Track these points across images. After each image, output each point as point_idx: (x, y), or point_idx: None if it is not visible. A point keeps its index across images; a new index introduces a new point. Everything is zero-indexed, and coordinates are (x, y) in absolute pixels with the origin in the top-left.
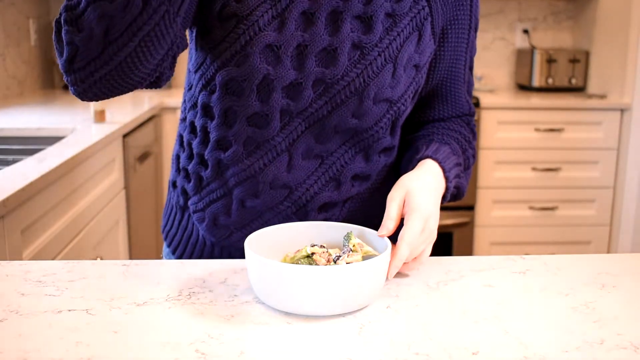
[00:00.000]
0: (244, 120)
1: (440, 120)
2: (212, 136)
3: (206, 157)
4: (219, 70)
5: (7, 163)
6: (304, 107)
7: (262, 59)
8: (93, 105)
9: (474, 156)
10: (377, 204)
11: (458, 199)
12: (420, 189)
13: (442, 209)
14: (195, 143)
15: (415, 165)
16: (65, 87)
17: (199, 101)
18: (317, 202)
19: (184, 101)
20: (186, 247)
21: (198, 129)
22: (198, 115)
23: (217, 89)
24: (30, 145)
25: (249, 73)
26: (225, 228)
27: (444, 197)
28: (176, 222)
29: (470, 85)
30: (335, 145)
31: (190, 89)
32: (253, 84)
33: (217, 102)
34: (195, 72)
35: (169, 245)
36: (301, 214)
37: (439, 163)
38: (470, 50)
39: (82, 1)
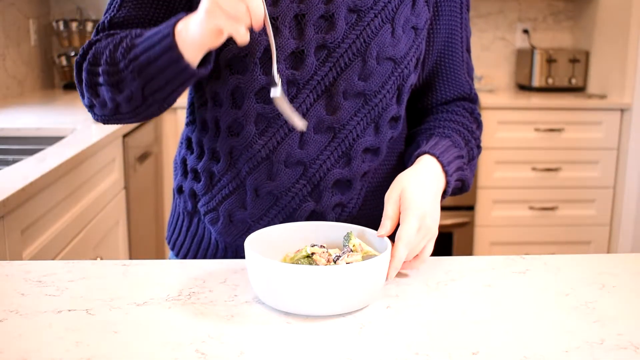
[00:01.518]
0: (252, 97)
1: (443, 103)
2: (223, 123)
3: (218, 149)
4: (220, 52)
5: (7, 163)
6: (309, 76)
7: (260, 32)
8: None
9: (479, 146)
10: None
11: (464, 191)
12: (415, 187)
13: (442, 208)
14: (206, 139)
15: (414, 161)
16: (65, 87)
17: (207, 94)
18: (330, 178)
19: (191, 104)
20: (197, 253)
21: (209, 122)
22: (208, 108)
23: (222, 71)
24: (30, 145)
25: (249, 47)
26: (242, 223)
27: (445, 192)
28: (184, 229)
29: (470, 68)
30: (346, 116)
31: (200, 88)
32: (255, 57)
33: (224, 85)
34: None
35: (177, 255)
36: (316, 195)
37: (437, 158)
38: (465, 29)
39: (101, 80)
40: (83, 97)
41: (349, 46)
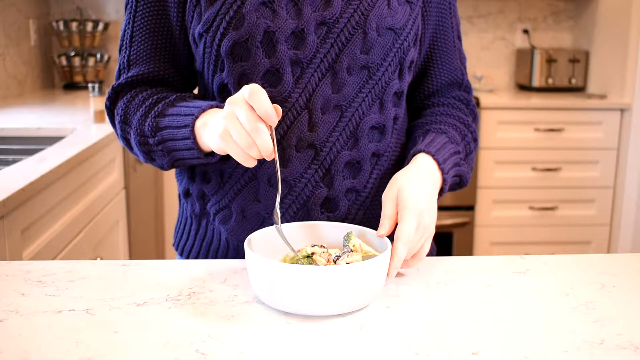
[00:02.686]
0: (259, 82)
1: (438, 90)
2: None
3: None
4: (221, 41)
5: (7, 163)
6: (312, 54)
7: (258, 15)
8: (93, 105)
9: (476, 140)
10: None
11: (462, 186)
12: (411, 186)
13: (442, 208)
14: None
15: (410, 160)
16: (66, 87)
17: (215, 91)
18: (340, 161)
19: None
20: (207, 256)
21: None
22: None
23: (226, 61)
24: (30, 145)
25: (249, 31)
26: (255, 217)
27: (441, 190)
28: (192, 233)
29: (462, 55)
30: (351, 92)
31: (205, 91)
32: (256, 41)
33: (229, 75)
34: (203, 68)
35: (186, 259)
36: (328, 180)
37: (432, 156)
38: (455, 16)
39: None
40: (116, 133)
41: (347, 20)
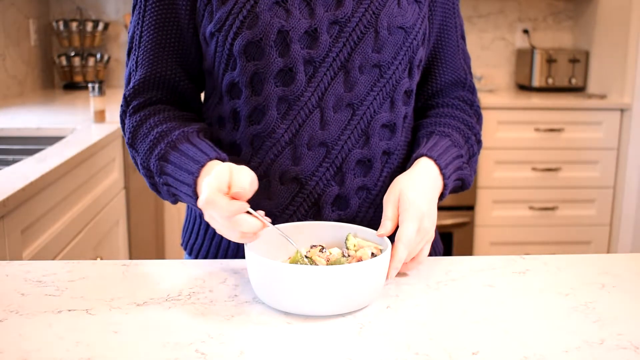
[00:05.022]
0: (271, 81)
1: (442, 89)
2: (243, 114)
3: (238, 142)
4: (234, 40)
5: (7, 163)
6: (324, 54)
7: (272, 15)
8: (93, 105)
9: (480, 141)
10: None
11: (464, 189)
12: (412, 189)
13: (442, 208)
14: (224, 134)
15: (412, 163)
16: (66, 87)
17: (223, 89)
18: (352, 159)
19: (204, 112)
20: (216, 255)
21: (226, 117)
22: (224, 103)
23: (238, 60)
24: (30, 145)
25: (263, 31)
26: (267, 215)
27: (442, 195)
28: (202, 233)
29: (466, 55)
30: (363, 91)
31: (213, 90)
32: (270, 40)
33: (242, 74)
34: (213, 67)
35: (194, 258)
36: (339, 178)
37: (434, 160)
38: (458, 16)
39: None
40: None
41: (359, 20)
